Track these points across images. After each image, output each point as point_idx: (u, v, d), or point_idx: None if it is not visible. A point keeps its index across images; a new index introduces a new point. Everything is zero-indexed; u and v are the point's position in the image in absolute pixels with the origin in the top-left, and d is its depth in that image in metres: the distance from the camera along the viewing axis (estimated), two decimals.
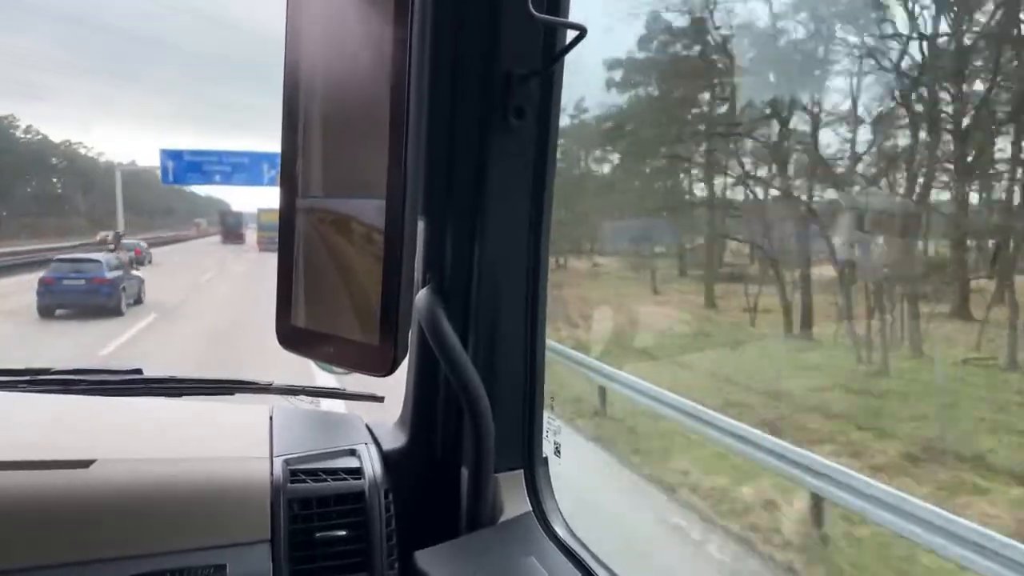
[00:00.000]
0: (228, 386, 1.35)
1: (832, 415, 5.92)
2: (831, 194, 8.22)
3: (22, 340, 9.27)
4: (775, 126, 8.46)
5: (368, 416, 1.25)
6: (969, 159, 7.07)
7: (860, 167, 7.84)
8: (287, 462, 1.03)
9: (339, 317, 0.76)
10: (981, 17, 7.28)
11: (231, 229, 33.97)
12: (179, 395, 1.32)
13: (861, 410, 5.90)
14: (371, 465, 1.06)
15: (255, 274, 17.36)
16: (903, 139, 7.58)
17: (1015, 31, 7.16)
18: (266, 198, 29.58)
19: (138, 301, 11.81)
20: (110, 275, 11.08)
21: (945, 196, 7.51)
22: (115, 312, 10.76)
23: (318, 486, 1.01)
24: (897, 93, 7.41)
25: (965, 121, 6.96)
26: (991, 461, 4.84)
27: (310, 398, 1.39)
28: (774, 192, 9.14)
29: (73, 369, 1.32)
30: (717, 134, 9.79)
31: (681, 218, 10.77)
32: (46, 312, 10.52)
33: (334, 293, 0.77)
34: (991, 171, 7.02)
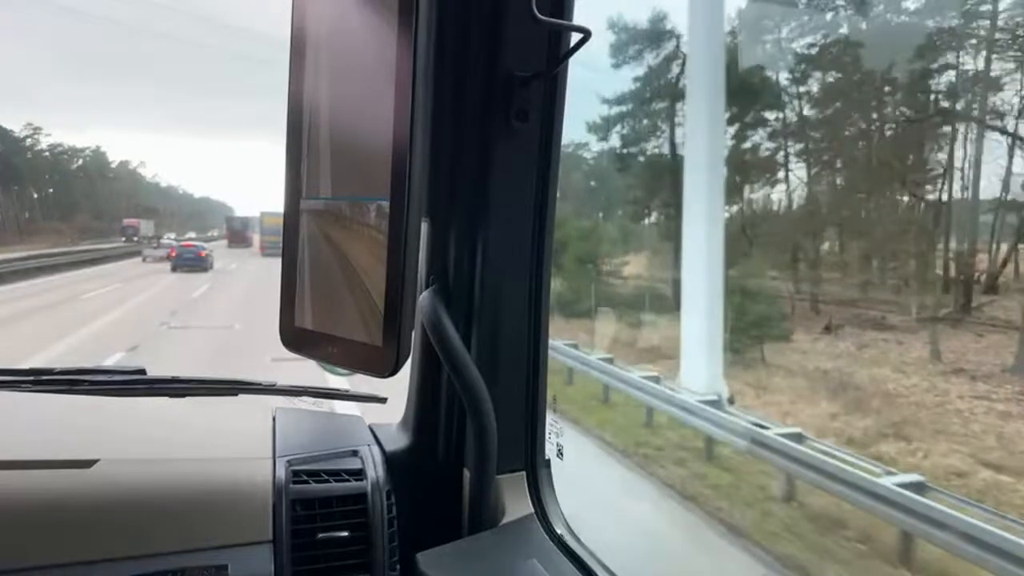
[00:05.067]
0: (231, 387, 1.34)
1: None
2: None
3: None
4: None
5: (371, 417, 1.25)
6: None
7: None
8: (289, 463, 1.03)
9: (342, 318, 0.76)
10: None
11: (238, 233, 37.79)
12: (182, 395, 1.32)
13: None
14: (373, 466, 1.06)
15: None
16: None
17: None
18: (270, 202, 31.95)
19: (210, 267, 23.24)
20: (204, 252, 23.37)
21: None
22: (205, 270, 22.41)
23: (320, 487, 1.01)
24: None
25: None
26: None
27: (313, 399, 1.39)
28: None
29: (76, 369, 1.32)
30: None
31: None
32: (175, 269, 22.24)
33: (338, 294, 0.77)
34: None
